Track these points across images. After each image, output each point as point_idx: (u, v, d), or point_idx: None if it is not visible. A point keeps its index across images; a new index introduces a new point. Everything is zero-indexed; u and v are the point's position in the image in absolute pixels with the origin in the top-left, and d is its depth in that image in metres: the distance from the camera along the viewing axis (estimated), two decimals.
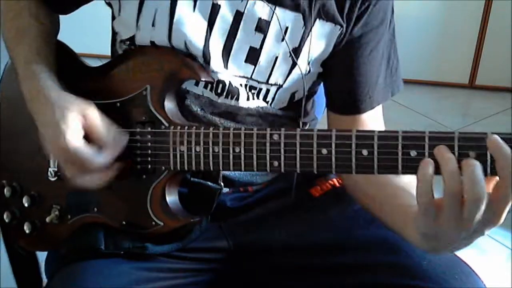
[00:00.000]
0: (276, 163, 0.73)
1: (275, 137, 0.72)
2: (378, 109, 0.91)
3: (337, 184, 0.98)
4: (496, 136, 0.62)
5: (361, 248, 0.88)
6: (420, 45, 2.98)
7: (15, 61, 0.86)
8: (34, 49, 0.85)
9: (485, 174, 0.62)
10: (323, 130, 0.70)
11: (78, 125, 0.77)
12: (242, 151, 0.74)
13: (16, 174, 0.92)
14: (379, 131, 0.67)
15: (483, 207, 0.62)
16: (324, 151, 0.70)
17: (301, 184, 0.97)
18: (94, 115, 0.78)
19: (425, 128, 2.34)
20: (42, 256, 0.98)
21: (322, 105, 1.03)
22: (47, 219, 0.88)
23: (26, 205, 0.90)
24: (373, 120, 0.90)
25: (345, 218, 0.92)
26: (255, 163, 0.74)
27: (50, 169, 0.87)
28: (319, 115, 1.06)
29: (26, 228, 0.91)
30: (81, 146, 0.76)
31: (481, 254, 1.89)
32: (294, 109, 0.93)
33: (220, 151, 0.76)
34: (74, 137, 0.76)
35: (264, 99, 0.88)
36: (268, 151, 0.73)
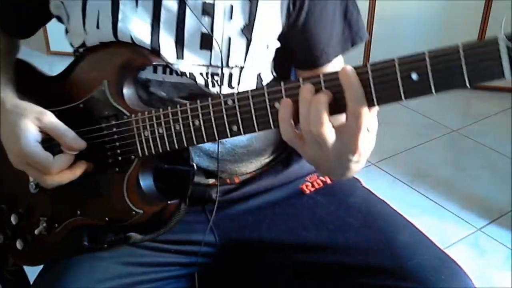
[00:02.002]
0: (235, 128, 0.74)
1: (229, 102, 0.73)
2: (339, 60, 0.93)
3: (329, 181, 0.99)
4: (348, 68, 0.64)
5: (349, 249, 0.88)
6: (420, 45, 2.97)
7: None
8: None
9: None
10: (272, 85, 0.71)
11: (33, 129, 0.79)
12: (202, 123, 0.75)
13: (2, 197, 0.94)
14: (324, 74, 0.67)
15: (328, 141, 0.67)
16: (277, 105, 0.70)
17: (292, 180, 0.97)
18: (50, 119, 0.80)
19: (426, 128, 2.34)
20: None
21: None
22: (36, 232, 0.89)
23: (14, 223, 0.92)
24: (332, 68, 0.91)
25: (335, 217, 0.93)
26: (215, 131, 0.75)
27: (30, 182, 0.89)
28: None
29: (19, 245, 0.92)
30: (36, 150, 0.79)
31: (481, 254, 1.89)
32: None
33: (182, 128, 0.77)
34: (29, 141, 0.78)
35: (229, 84, 0.88)
36: (225, 117, 0.74)
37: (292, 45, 0.91)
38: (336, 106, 0.66)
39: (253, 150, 0.94)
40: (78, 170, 0.82)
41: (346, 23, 0.91)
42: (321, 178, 0.99)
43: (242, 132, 0.74)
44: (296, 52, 0.92)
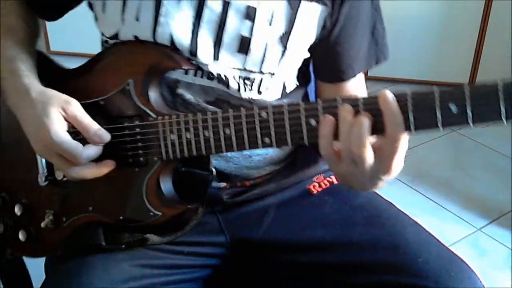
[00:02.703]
0: (267, 140, 0.74)
1: (264, 114, 0.73)
2: (361, 76, 0.95)
3: (335, 181, 0.99)
4: (386, 92, 0.66)
5: (357, 247, 0.88)
6: (420, 45, 2.98)
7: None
8: (19, 48, 0.86)
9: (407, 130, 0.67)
10: (309, 102, 0.72)
11: (60, 118, 0.77)
12: (233, 132, 0.75)
13: (3, 185, 0.93)
14: (364, 97, 0.69)
15: (366, 161, 0.69)
16: (313, 122, 0.71)
17: (300, 181, 0.97)
18: (76, 108, 0.78)
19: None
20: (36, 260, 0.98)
21: (312, 96, 1.04)
22: (42, 225, 0.88)
23: (18, 213, 0.91)
24: (355, 86, 0.94)
25: (342, 216, 0.93)
26: (246, 142, 0.75)
27: (40, 174, 0.87)
28: None
29: (21, 236, 0.91)
30: (66, 138, 0.77)
31: (481, 254, 1.89)
32: (287, 99, 0.93)
33: (211, 135, 0.77)
34: (58, 130, 0.77)
35: (258, 89, 0.88)
36: (258, 128, 0.74)
37: (320, 57, 0.92)
38: (374, 129, 0.68)
39: (269, 157, 0.95)
40: (105, 169, 0.81)
41: (373, 40, 0.92)
42: (328, 178, 0.99)
43: (274, 145, 0.74)
44: (324, 65, 0.93)
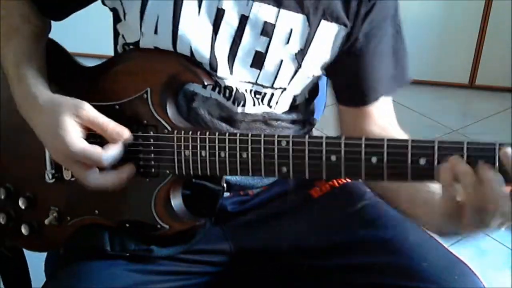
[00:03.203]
0: (284, 169, 0.73)
1: (283, 143, 0.72)
2: (386, 101, 0.92)
3: (337, 185, 0.98)
4: (509, 149, 0.64)
5: (360, 250, 0.88)
6: (420, 45, 2.97)
7: (4, 61, 0.85)
8: (24, 51, 0.84)
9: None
10: (332, 137, 0.71)
11: (75, 126, 0.76)
12: (250, 157, 0.74)
13: (9, 176, 0.92)
14: (389, 139, 0.68)
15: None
16: (333, 158, 0.70)
17: (301, 185, 0.97)
18: (88, 111, 0.77)
19: (426, 128, 2.34)
20: (38, 257, 0.98)
21: (320, 108, 1.03)
22: (46, 221, 0.87)
23: (22, 207, 0.90)
24: (380, 112, 0.92)
25: (344, 219, 0.92)
26: (263, 169, 0.74)
27: (47, 171, 0.86)
28: (318, 117, 1.07)
29: (24, 230, 0.90)
30: (85, 147, 0.75)
31: (481, 254, 1.89)
32: (296, 112, 0.93)
33: (227, 156, 0.75)
34: (74, 140, 0.75)
35: (268, 103, 0.88)
36: (276, 157, 0.73)
37: (341, 78, 0.90)
38: None
39: None
40: (125, 174, 0.79)
41: (396, 62, 0.90)
42: (329, 182, 0.98)
43: (291, 176, 0.73)
44: (344, 87, 0.92)
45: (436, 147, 0.66)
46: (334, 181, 0.98)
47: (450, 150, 0.66)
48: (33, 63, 0.84)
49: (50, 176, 0.86)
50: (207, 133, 0.76)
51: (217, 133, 0.76)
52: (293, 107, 0.92)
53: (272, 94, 0.87)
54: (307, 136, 0.71)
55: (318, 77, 0.92)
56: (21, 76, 0.82)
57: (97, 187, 0.78)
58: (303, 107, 0.94)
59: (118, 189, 0.79)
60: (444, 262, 0.84)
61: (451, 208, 0.68)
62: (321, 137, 0.70)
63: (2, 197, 0.92)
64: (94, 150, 0.76)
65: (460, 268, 0.84)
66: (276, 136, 0.72)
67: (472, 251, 1.90)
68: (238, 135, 0.74)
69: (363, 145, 0.68)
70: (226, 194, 0.92)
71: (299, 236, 0.91)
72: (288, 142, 0.72)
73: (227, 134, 0.75)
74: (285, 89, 0.87)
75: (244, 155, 0.74)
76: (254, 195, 0.96)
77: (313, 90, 0.95)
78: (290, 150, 0.71)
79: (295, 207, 0.95)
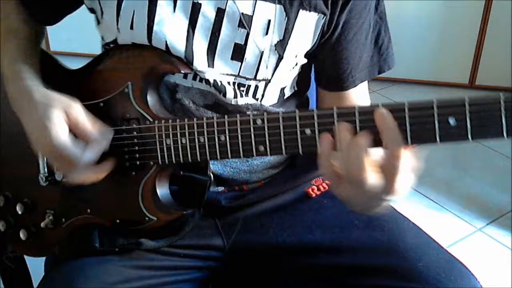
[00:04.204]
0: (261, 148, 0.73)
1: (259, 121, 0.73)
2: (364, 85, 0.93)
3: None
4: (382, 108, 0.64)
5: (356, 250, 0.87)
6: (420, 45, 2.98)
7: (1, 60, 0.86)
8: (21, 50, 0.87)
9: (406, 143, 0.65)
10: (305, 111, 0.71)
11: (62, 121, 0.77)
12: (227, 139, 0.75)
13: (7, 183, 0.93)
14: (359, 107, 0.67)
15: (367, 183, 0.66)
16: (308, 131, 0.70)
17: (298, 184, 0.97)
18: (78, 111, 0.78)
19: None
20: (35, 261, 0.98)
21: (315, 100, 1.04)
22: (42, 224, 0.88)
23: (20, 212, 0.91)
24: (358, 94, 0.93)
25: (341, 219, 0.92)
26: (241, 149, 0.74)
27: (40, 174, 0.87)
28: None
29: (22, 235, 0.91)
30: (66, 142, 0.77)
31: (481, 254, 1.89)
32: (287, 105, 0.93)
33: (206, 141, 0.76)
34: (59, 134, 0.76)
35: (254, 96, 0.88)
36: (252, 136, 0.73)
37: (320, 65, 0.91)
38: (375, 142, 0.66)
39: (267, 162, 0.95)
40: (102, 173, 0.80)
41: (376, 49, 0.91)
42: (327, 181, 0.98)
43: (268, 153, 0.73)
44: (323, 73, 0.93)
45: (357, 113, 0.67)
46: None
47: (345, 116, 0.67)
48: (29, 62, 0.86)
49: (44, 179, 0.87)
50: (186, 120, 0.78)
51: (195, 119, 0.77)
52: (284, 100, 0.92)
53: (257, 86, 0.87)
54: (280, 112, 0.71)
55: (308, 69, 0.93)
56: (18, 73, 0.83)
57: (75, 183, 0.80)
58: (294, 100, 0.94)
59: (93, 182, 0.81)
60: (441, 262, 0.83)
61: (327, 174, 0.69)
62: (294, 112, 0.71)
63: (1, 204, 0.93)
64: (75, 149, 0.77)
65: (457, 268, 0.83)
66: (251, 116, 0.73)
67: (472, 251, 1.90)
68: (215, 118, 0.75)
69: (335, 115, 0.68)
70: (220, 188, 0.93)
71: (294, 235, 0.91)
72: (263, 120, 0.72)
73: (204, 119, 0.76)
74: (269, 81, 0.87)
75: (222, 138, 0.75)
76: (249, 190, 0.96)
77: (303, 82, 0.95)
78: (265, 128, 0.72)
79: (291, 205, 0.96)
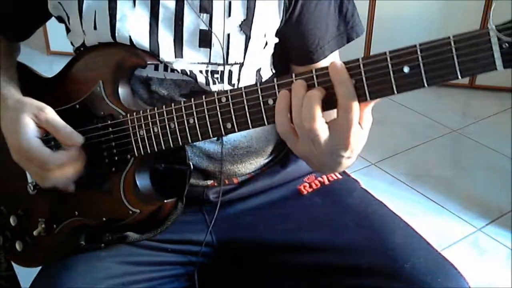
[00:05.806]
0: (229, 125, 0.74)
1: (223, 99, 0.73)
2: (334, 55, 0.93)
3: (326, 182, 0.99)
4: (338, 63, 0.65)
5: (345, 250, 0.87)
6: None
7: None
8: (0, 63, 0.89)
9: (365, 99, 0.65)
10: (266, 82, 0.72)
11: (31, 124, 0.79)
12: (196, 121, 0.76)
13: (1, 197, 0.94)
14: (316, 70, 0.68)
15: (320, 136, 0.67)
16: (271, 101, 0.71)
17: (290, 181, 0.97)
18: (48, 114, 0.80)
19: (426, 128, 2.34)
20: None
21: None
22: (35, 233, 0.89)
23: (13, 224, 0.92)
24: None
25: (331, 218, 0.92)
26: (209, 129, 0.75)
27: (28, 183, 0.89)
28: None
29: (18, 246, 0.93)
30: (34, 145, 0.79)
31: (481, 254, 1.89)
32: None
33: (176, 126, 0.77)
34: (27, 137, 0.78)
35: (230, 81, 0.88)
36: (219, 114, 0.74)
37: (288, 40, 0.91)
38: (329, 102, 0.67)
39: (253, 150, 0.94)
40: (68, 172, 0.81)
41: (341, 18, 0.91)
42: (319, 179, 0.99)
43: (236, 129, 0.74)
44: (292, 48, 0.92)
45: (314, 73, 0.67)
46: (324, 177, 0.98)
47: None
48: (6, 72, 0.89)
49: (32, 188, 0.89)
50: (156, 109, 0.79)
51: (164, 106, 0.78)
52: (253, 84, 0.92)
53: (230, 71, 0.87)
54: (243, 87, 0.72)
55: (281, 49, 0.92)
56: None
57: (47, 186, 0.82)
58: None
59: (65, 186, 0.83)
60: (429, 263, 0.83)
61: (283, 133, 0.70)
62: (256, 84, 0.71)
63: None
64: (43, 150, 0.79)
65: (445, 269, 0.83)
66: (216, 94, 0.74)
67: (472, 251, 1.90)
68: (182, 102, 0.76)
69: (294, 81, 0.69)
70: (210, 182, 0.93)
71: (285, 232, 0.92)
72: (227, 98, 0.73)
73: (173, 105, 0.77)
74: (242, 64, 0.87)
75: (191, 120, 0.76)
76: (239, 183, 0.96)
77: (281, 63, 0.94)
78: (230, 105, 0.73)
79: (282, 202, 0.96)
